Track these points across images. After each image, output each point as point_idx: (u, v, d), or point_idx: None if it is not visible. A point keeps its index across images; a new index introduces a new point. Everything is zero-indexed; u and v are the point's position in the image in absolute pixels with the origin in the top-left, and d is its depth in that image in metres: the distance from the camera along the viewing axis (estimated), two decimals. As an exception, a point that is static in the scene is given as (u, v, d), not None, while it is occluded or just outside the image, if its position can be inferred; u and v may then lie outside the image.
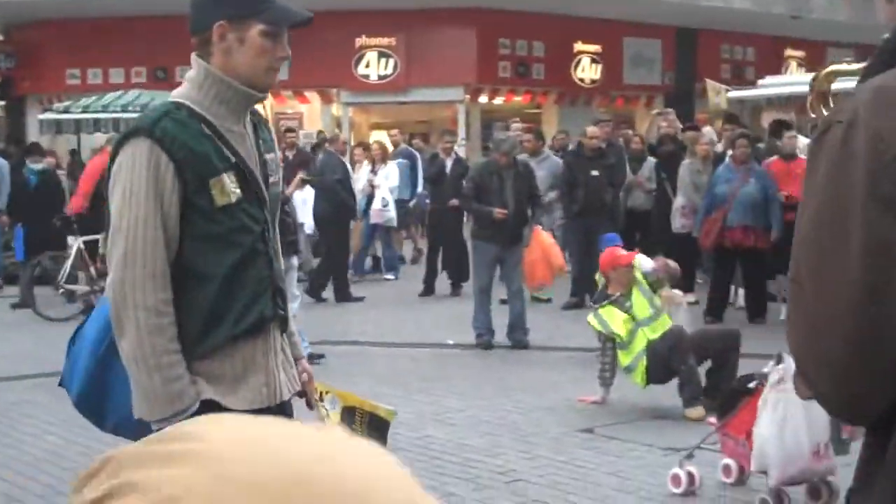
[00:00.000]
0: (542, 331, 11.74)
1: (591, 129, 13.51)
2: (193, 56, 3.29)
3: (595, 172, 13.19)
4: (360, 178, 15.70)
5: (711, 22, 26.48)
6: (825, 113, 2.45)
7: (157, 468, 0.82)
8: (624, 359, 8.40)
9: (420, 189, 17.17)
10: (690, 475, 6.44)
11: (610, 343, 8.48)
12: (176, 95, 3.29)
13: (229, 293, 3.21)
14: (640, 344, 8.30)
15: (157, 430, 1.13)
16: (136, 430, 3.15)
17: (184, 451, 0.83)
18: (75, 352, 3.49)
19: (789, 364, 6.30)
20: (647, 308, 8.45)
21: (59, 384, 3.58)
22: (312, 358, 10.52)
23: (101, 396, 3.43)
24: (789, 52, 29.40)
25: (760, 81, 20.46)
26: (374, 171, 16.03)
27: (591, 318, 8.78)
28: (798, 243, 1.81)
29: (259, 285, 3.29)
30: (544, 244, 11.19)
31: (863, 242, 1.70)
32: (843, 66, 2.71)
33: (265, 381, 3.32)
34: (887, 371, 1.70)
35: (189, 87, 3.28)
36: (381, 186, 15.77)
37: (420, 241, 18.51)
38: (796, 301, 1.83)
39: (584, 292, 13.51)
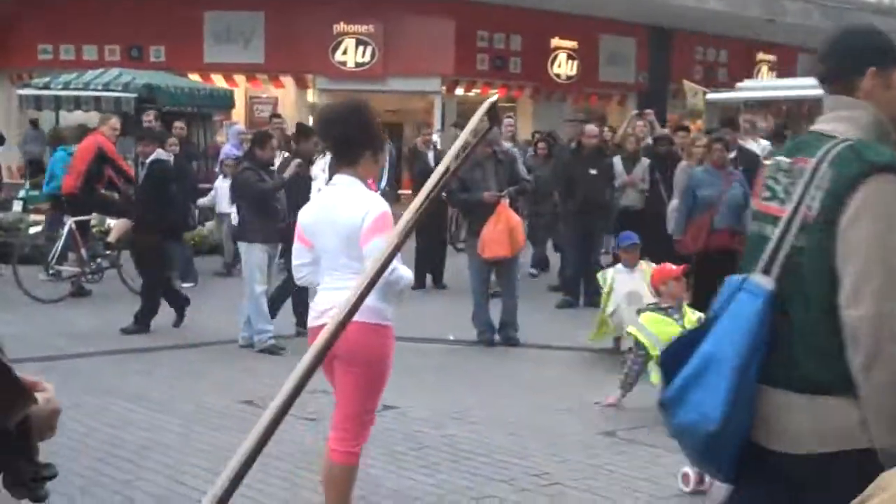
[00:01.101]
0: (540, 329, 11.72)
1: (590, 128, 13.49)
2: (850, 100, 3.29)
3: (593, 171, 13.18)
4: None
5: (686, 22, 26.58)
6: None
7: None
8: (655, 377, 8.31)
9: (384, 184, 16.39)
10: (700, 473, 6.45)
11: (642, 352, 8.43)
12: (843, 133, 3.22)
13: None
14: None
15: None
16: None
17: None
18: (698, 374, 3.21)
19: None
20: (696, 321, 8.42)
21: (661, 405, 3.29)
22: (274, 349, 10.47)
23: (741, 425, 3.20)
24: (761, 55, 29.62)
25: (738, 84, 20.61)
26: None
27: (632, 329, 8.69)
28: None
29: None
30: (511, 219, 11.06)
31: None
32: None
33: None
34: None
35: (850, 126, 3.24)
36: (318, 178, 14.71)
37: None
38: None
39: (578, 292, 13.55)
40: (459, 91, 25.57)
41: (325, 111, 5.61)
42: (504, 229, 10.85)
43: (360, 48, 24.62)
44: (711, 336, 3.21)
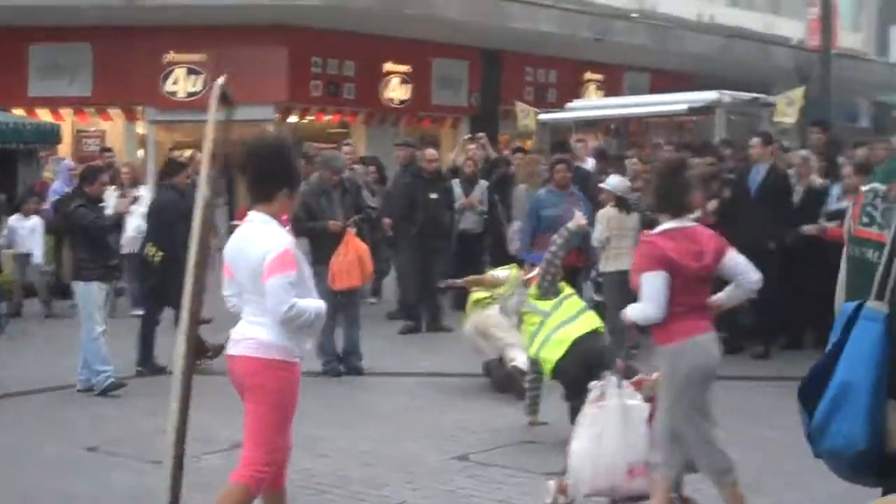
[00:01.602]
0: (382, 356, 11.72)
1: (430, 152, 13.56)
2: None
3: (433, 195, 13.25)
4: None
5: (516, 44, 26.93)
6: None
7: None
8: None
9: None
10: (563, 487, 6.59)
11: (537, 374, 8.47)
12: None
13: None
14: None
15: None
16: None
17: None
18: (836, 403, 3.49)
19: (609, 381, 6.53)
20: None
21: (808, 438, 3.64)
22: (111, 388, 10.24)
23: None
24: (589, 75, 30.17)
25: (568, 104, 20.98)
26: (124, 196, 13.38)
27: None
28: None
29: None
30: (359, 248, 11.07)
31: None
32: None
33: None
34: None
35: None
36: (134, 213, 13.76)
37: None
38: None
39: (420, 316, 13.57)
40: (294, 118, 25.38)
41: (244, 147, 5.62)
42: (353, 259, 10.82)
43: (192, 77, 24.23)
44: (842, 364, 3.48)
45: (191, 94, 24.33)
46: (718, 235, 6.20)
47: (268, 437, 5.39)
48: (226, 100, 2.92)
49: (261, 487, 5.42)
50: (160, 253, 11.13)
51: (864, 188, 3.79)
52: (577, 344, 7.94)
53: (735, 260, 6.07)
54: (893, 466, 3.43)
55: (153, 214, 11.70)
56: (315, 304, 5.39)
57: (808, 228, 11.62)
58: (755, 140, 12.37)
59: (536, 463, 7.74)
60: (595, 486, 6.42)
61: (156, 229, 11.41)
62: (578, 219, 8.75)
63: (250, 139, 5.64)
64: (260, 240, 5.35)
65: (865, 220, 3.57)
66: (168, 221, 11.08)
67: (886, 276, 3.42)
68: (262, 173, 5.43)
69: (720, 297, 6.15)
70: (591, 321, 8.24)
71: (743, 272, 6.09)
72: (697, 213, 11.55)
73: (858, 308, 3.48)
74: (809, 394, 3.60)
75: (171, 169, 12.14)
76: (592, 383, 6.74)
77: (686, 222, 6.05)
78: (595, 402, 6.57)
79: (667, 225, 6.00)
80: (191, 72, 24.25)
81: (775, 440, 8.57)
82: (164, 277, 10.89)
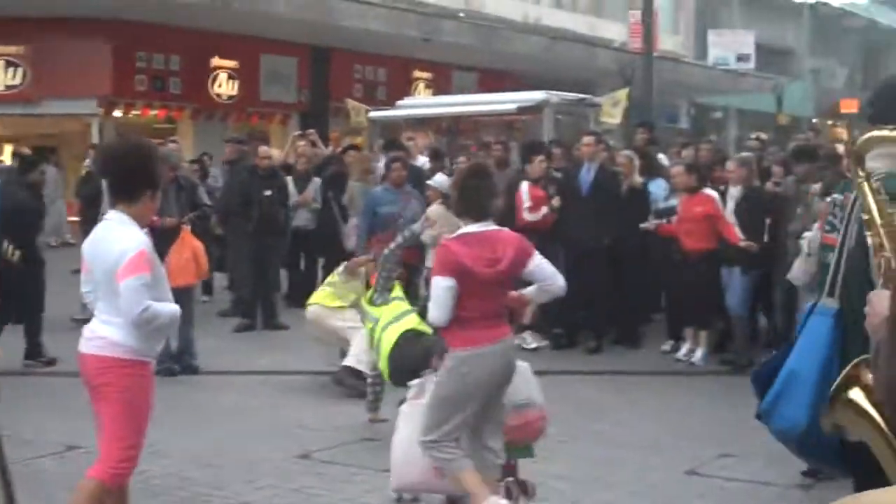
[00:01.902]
0: (218, 354, 11.57)
1: (264, 149, 13.45)
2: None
3: (268, 192, 13.15)
4: None
5: (346, 41, 26.92)
6: (860, 173, 2.64)
7: None
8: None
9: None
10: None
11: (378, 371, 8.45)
12: (879, 169, 3.42)
13: None
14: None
15: None
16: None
17: None
18: (784, 388, 3.87)
19: (428, 379, 6.60)
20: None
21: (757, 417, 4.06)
22: None
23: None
24: (418, 73, 30.38)
25: (399, 102, 21.07)
26: None
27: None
28: None
29: None
30: (195, 245, 10.94)
31: None
32: (885, 133, 2.91)
33: None
34: None
35: (888, 162, 3.47)
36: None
37: None
38: None
39: (256, 314, 13.42)
40: (118, 113, 24.82)
41: (108, 148, 5.67)
42: (189, 256, 10.66)
43: (10, 70, 23.49)
44: (793, 355, 3.87)
45: (9, 87, 23.60)
46: (523, 240, 6.15)
47: (120, 434, 5.35)
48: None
49: (119, 484, 5.44)
50: (17, 252, 10.64)
51: (827, 199, 4.27)
52: (399, 345, 7.97)
53: (540, 266, 6.06)
54: (859, 456, 3.60)
55: (7, 214, 11.12)
56: (169, 308, 5.40)
57: (646, 225, 11.94)
58: (588, 139, 12.63)
59: (378, 460, 7.72)
60: (402, 480, 6.41)
61: (14, 228, 10.82)
62: (429, 224, 8.84)
63: (115, 140, 5.68)
64: (116, 240, 5.33)
65: (828, 227, 3.98)
66: (26, 222, 10.73)
67: (836, 274, 3.78)
68: (127, 174, 5.43)
69: (529, 290, 6.21)
70: (412, 322, 8.23)
71: (547, 279, 6.08)
72: (545, 210, 11.78)
73: (815, 305, 3.89)
74: (763, 379, 3.99)
75: (25, 166, 11.66)
76: (412, 381, 6.75)
77: (488, 226, 6.01)
78: (413, 399, 6.58)
79: (466, 229, 5.99)
80: (9, 64, 23.51)
81: (606, 433, 8.80)
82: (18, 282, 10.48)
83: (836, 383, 2.57)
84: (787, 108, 40.13)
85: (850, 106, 46.84)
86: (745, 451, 8.09)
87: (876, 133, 2.91)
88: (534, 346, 11.87)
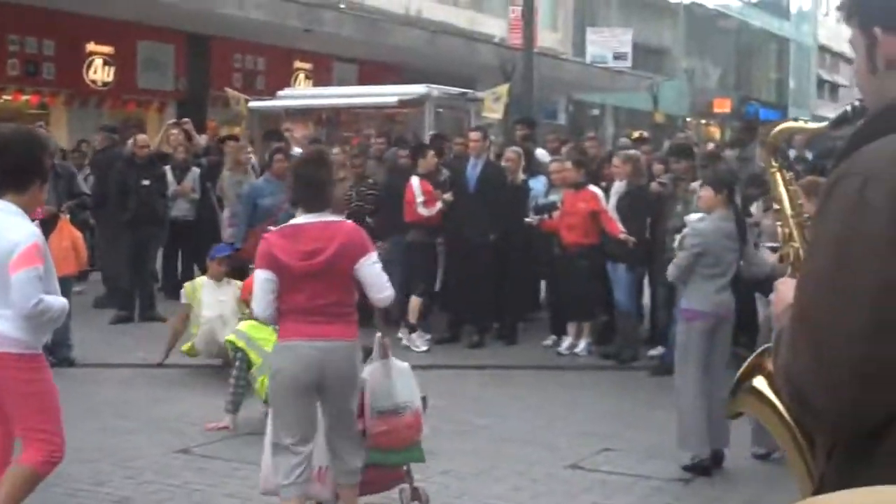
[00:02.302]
0: (94, 346, 11.34)
1: (142, 138, 13.20)
2: None
3: (146, 182, 12.91)
4: None
5: (225, 29, 26.56)
6: (773, 163, 2.66)
7: None
8: (261, 388, 7.98)
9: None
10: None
11: (245, 365, 8.31)
12: None
13: None
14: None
15: None
16: None
17: None
18: None
19: None
20: None
21: None
22: None
23: None
24: (298, 63, 30.11)
25: (279, 93, 20.87)
26: None
27: (231, 337, 8.55)
28: (809, 279, 2.00)
29: None
30: (73, 234, 10.74)
31: (876, 282, 1.92)
32: (797, 125, 2.94)
33: None
34: (887, 390, 1.94)
35: None
36: None
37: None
38: (801, 331, 2.02)
39: (133, 306, 13.17)
40: (-12, 97, 24.12)
41: None
42: (68, 245, 10.42)
43: None
44: None
45: None
46: (358, 236, 5.82)
47: (33, 426, 5.34)
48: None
49: (49, 469, 5.50)
50: None
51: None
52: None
53: (367, 269, 5.73)
54: None
55: None
56: (59, 302, 5.32)
57: (530, 220, 12.01)
58: (475, 134, 12.66)
59: (260, 455, 7.62)
60: (268, 484, 6.16)
61: None
62: None
63: (3, 128, 5.55)
64: (8, 231, 5.21)
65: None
66: None
67: None
68: (17, 164, 5.31)
69: None
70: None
71: (371, 286, 5.77)
72: (439, 206, 11.73)
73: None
74: None
75: None
76: None
77: (320, 217, 5.73)
78: None
79: (294, 220, 5.82)
80: None
81: (490, 427, 8.84)
82: None
83: (740, 371, 2.58)
84: (663, 107, 40.93)
85: (722, 105, 48.09)
86: (627, 446, 8.21)
87: (789, 124, 2.94)
88: (424, 349, 11.81)
